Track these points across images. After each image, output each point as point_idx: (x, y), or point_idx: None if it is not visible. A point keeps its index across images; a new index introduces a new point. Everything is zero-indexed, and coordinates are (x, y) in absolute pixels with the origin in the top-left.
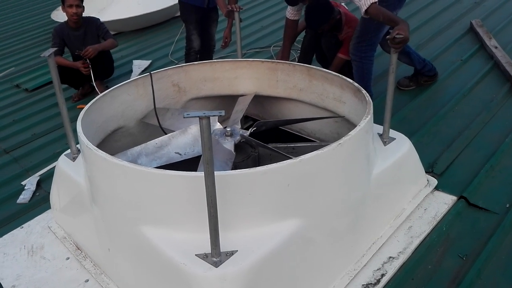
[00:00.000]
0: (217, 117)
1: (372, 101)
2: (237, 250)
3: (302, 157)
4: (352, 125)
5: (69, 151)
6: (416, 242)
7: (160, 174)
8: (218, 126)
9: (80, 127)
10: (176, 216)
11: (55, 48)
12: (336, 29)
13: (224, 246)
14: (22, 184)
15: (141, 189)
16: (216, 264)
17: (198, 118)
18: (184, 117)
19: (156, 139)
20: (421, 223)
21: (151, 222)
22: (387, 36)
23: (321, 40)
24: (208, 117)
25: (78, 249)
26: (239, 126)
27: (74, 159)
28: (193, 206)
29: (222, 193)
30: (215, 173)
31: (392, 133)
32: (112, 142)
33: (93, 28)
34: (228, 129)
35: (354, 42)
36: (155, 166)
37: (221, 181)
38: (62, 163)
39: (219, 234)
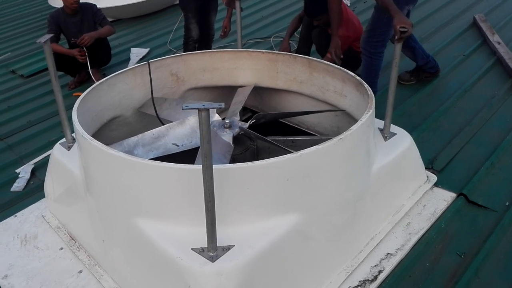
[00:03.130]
0: (216, 109)
1: (376, 96)
2: (234, 245)
3: (303, 151)
4: (352, 119)
5: (64, 139)
6: (414, 239)
7: (157, 166)
8: (216, 117)
9: (76, 116)
10: (172, 209)
11: (52, 35)
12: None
13: (220, 241)
14: (16, 172)
15: (137, 181)
16: (213, 259)
17: (197, 110)
18: (182, 109)
19: (153, 130)
20: (420, 219)
21: (147, 214)
22: (396, 37)
23: (312, 30)
24: (207, 110)
25: (72, 239)
26: (238, 118)
27: (69, 148)
28: (190, 199)
29: (220, 187)
30: (213, 166)
31: (393, 128)
32: (108, 131)
33: (90, 15)
34: (227, 120)
35: (365, 36)
36: (152, 157)
37: (220, 175)
38: (57, 152)
39: (216, 228)
